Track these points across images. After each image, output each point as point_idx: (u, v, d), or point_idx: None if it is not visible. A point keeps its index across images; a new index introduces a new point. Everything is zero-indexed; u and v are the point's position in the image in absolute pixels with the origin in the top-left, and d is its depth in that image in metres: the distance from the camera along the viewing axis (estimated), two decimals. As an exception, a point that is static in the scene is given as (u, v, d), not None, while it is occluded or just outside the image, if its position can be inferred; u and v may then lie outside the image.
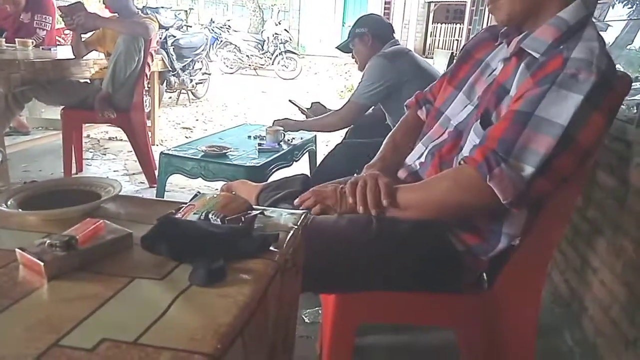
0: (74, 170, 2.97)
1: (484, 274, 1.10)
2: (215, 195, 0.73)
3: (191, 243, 0.59)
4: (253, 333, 0.51)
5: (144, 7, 4.82)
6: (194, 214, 0.67)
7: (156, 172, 2.90)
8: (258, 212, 0.69)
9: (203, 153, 2.02)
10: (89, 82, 2.96)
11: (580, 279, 1.61)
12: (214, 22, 10.02)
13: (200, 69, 5.75)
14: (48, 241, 0.55)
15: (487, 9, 0.93)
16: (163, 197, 2.27)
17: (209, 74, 6.29)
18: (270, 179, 2.14)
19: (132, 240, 0.62)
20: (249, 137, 2.38)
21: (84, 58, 2.88)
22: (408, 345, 1.54)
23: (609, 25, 2.06)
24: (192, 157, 2.03)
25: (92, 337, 0.44)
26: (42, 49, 3.18)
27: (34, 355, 0.41)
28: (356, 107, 2.08)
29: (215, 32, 8.57)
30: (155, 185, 2.55)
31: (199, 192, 0.78)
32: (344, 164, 1.85)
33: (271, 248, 0.62)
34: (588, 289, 1.55)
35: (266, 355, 0.59)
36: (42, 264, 0.52)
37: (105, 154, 3.62)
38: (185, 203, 0.73)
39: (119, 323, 0.47)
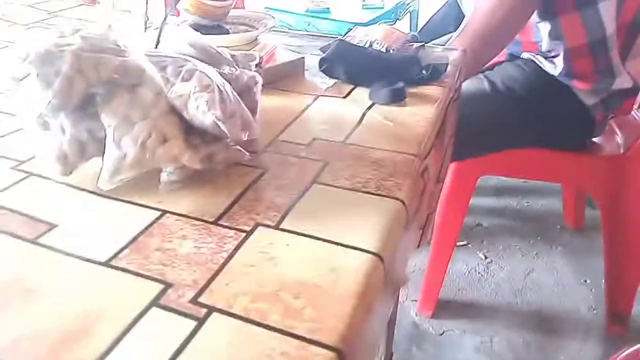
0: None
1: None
2: (373, 28, 0.72)
3: (368, 67, 0.60)
4: (437, 150, 0.54)
5: None
6: (358, 42, 0.67)
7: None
8: (422, 43, 0.68)
9: (307, 8, 1.97)
10: None
11: None
12: None
13: None
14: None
15: None
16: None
17: None
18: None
19: (305, 63, 0.64)
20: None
21: None
22: (512, 209, 1.55)
23: None
24: (296, 12, 1.99)
25: (304, 137, 0.48)
26: None
27: (264, 144, 0.46)
28: None
29: None
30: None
31: (351, 26, 0.77)
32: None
33: (442, 77, 0.62)
34: None
35: (437, 174, 0.61)
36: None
37: None
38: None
39: (321, 128, 0.51)
